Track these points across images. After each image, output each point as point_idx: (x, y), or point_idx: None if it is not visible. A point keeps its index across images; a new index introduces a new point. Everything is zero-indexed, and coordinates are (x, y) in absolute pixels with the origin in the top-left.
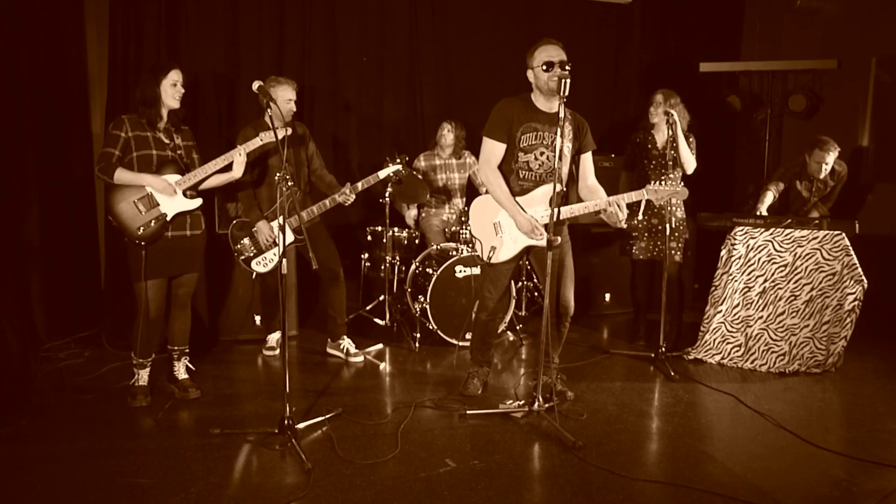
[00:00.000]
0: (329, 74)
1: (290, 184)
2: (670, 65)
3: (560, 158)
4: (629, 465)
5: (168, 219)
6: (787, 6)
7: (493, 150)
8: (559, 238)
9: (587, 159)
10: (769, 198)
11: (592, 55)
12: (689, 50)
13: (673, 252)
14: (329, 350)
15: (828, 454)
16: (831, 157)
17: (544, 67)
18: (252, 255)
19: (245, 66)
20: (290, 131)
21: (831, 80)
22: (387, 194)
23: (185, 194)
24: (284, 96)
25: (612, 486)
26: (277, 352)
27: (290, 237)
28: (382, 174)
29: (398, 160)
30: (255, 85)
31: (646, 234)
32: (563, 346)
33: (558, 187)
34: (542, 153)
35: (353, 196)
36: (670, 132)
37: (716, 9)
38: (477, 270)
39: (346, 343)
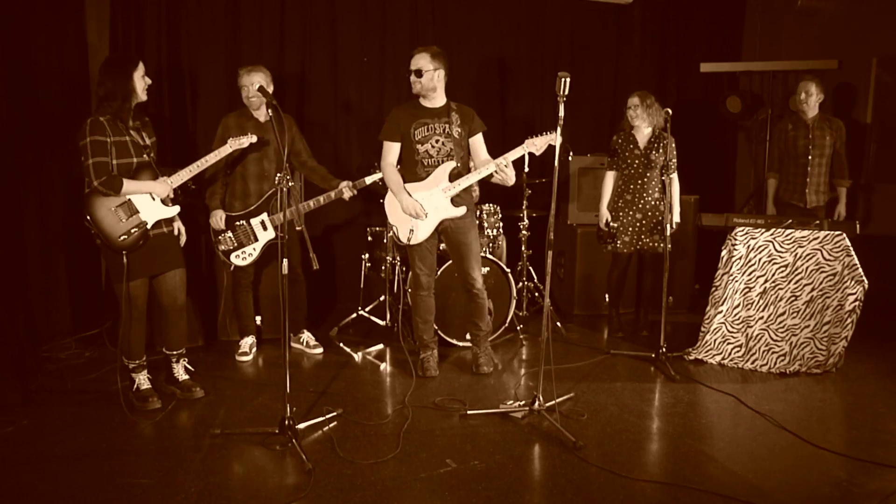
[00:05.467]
0: (329, 74)
1: (291, 183)
2: (671, 65)
3: (454, 143)
4: (629, 465)
5: (149, 226)
6: (788, 6)
7: (389, 149)
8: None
9: (477, 140)
10: (771, 186)
11: (593, 55)
12: (690, 50)
13: (657, 244)
14: (292, 344)
15: (828, 455)
16: (813, 87)
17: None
18: (232, 247)
19: (246, 64)
20: (255, 139)
21: (832, 80)
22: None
23: (163, 201)
24: (239, 84)
25: (612, 487)
26: (251, 357)
27: (270, 234)
28: (369, 180)
29: None
30: (256, 86)
31: (630, 230)
32: (564, 346)
33: (452, 164)
34: (437, 140)
35: (355, 192)
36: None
37: (716, 9)
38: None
39: (306, 336)
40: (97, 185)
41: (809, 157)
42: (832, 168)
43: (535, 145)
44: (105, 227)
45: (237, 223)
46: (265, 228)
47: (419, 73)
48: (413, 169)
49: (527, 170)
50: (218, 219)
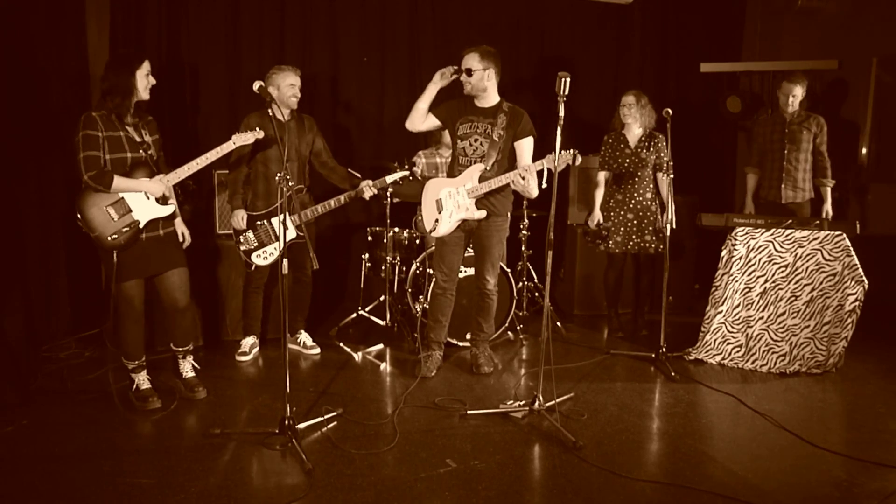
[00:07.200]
0: (330, 75)
1: (290, 183)
2: (671, 65)
3: (490, 144)
4: (630, 465)
5: (141, 226)
6: (788, 6)
7: (433, 117)
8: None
9: (523, 144)
10: (750, 180)
11: (593, 55)
12: (690, 50)
13: (649, 245)
14: (289, 344)
15: (829, 455)
16: (799, 90)
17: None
18: (253, 247)
19: (246, 64)
20: (261, 134)
21: (831, 80)
22: (388, 193)
23: (157, 200)
24: (286, 82)
25: (612, 487)
26: (250, 357)
27: (291, 233)
28: (390, 179)
29: (406, 166)
30: (256, 85)
31: (622, 229)
32: (564, 346)
33: (481, 167)
34: (475, 140)
35: (375, 191)
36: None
37: (716, 9)
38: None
39: (303, 337)
40: (86, 178)
41: (785, 153)
42: (814, 168)
43: (554, 162)
44: (96, 226)
45: (258, 223)
46: (286, 228)
47: (469, 73)
48: (453, 164)
49: (544, 185)
50: (240, 219)
